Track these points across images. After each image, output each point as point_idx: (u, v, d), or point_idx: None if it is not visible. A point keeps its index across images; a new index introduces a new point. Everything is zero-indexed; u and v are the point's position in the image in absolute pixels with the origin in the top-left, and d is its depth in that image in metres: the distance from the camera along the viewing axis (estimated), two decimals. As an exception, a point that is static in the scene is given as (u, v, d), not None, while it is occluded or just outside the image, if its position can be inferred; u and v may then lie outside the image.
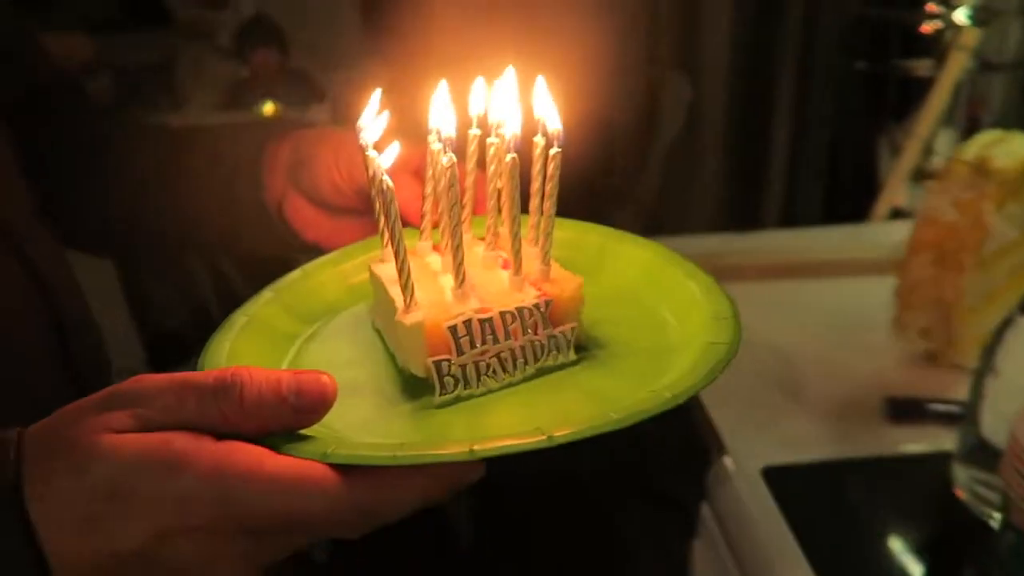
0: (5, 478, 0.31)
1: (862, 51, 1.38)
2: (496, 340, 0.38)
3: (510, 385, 0.39)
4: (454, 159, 0.38)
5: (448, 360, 0.37)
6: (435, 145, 0.41)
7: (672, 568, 0.92)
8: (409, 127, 0.44)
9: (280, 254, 0.49)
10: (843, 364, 0.93)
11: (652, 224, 2.26)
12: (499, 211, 0.42)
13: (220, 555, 0.32)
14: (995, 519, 0.67)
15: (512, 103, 0.40)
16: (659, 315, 0.42)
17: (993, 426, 0.65)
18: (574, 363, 0.40)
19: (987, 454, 0.65)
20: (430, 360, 0.37)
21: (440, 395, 0.37)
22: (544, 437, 0.32)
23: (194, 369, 0.36)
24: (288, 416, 0.33)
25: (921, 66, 1.34)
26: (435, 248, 0.44)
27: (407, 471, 0.32)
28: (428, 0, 2.27)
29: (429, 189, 0.44)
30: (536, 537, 1.20)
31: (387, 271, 0.41)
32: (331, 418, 0.34)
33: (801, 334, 1.00)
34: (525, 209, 0.41)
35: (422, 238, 0.46)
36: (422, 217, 0.46)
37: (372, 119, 0.41)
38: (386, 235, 0.41)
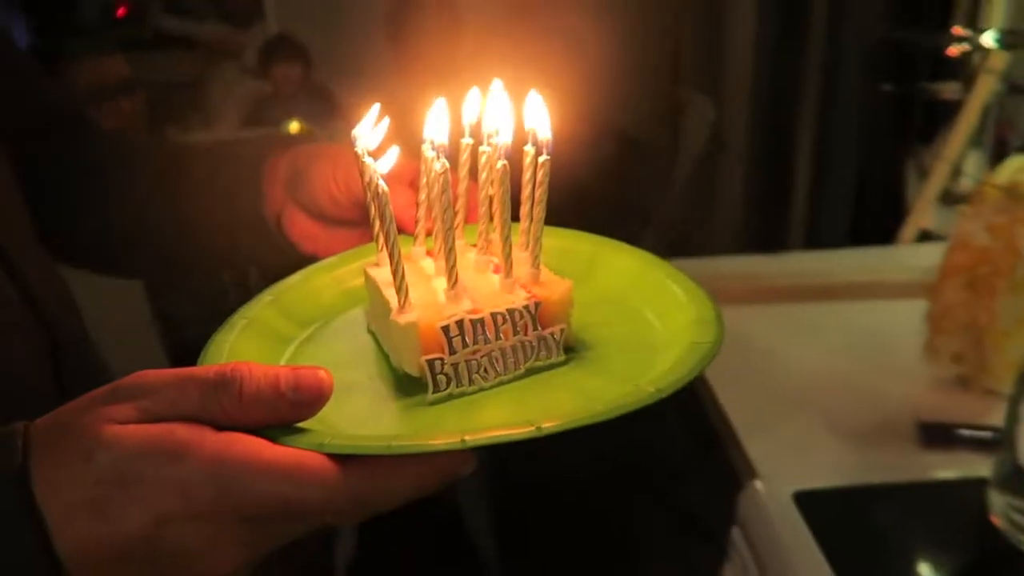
0: (13, 464, 0.32)
1: (888, 73, 1.38)
2: (487, 340, 0.39)
3: (501, 384, 0.40)
4: (447, 165, 0.40)
5: (441, 359, 0.38)
6: (429, 152, 0.42)
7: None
8: (409, 140, 0.45)
9: (278, 266, 0.50)
10: (873, 388, 0.93)
11: (674, 244, 2.26)
12: (490, 218, 0.44)
13: (219, 541, 0.33)
14: (1033, 547, 0.66)
15: (504, 113, 0.42)
16: (645, 318, 0.43)
17: (1030, 453, 0.64)
18: (563, 363, 0.41)
19: (1024, 481, 0.64)
20: (423, 359, 0.38)
21: (433, 393, 0.38)
22: (533, 428, 0.33)
23: None
24: (286, 410, 0.34)
25: (948, 89, 1.34)
26: (428, 253, 0.46)
27: (401, 461, 0.33)
28: (453, 22, 2.30)
29: (423, 196, 0.46)
30: (564, 563, 1.20)
31: (382, 274, 0.42)
32: (327, 414, 0.35)
33: (830, 357, 1.00)
34: (516, 217, 0.43)
35: (416, 244, 0.47)
36: (416, 223, 0.47)
37: (369, 128, 0.42)
38: (381, 239, 0.43)
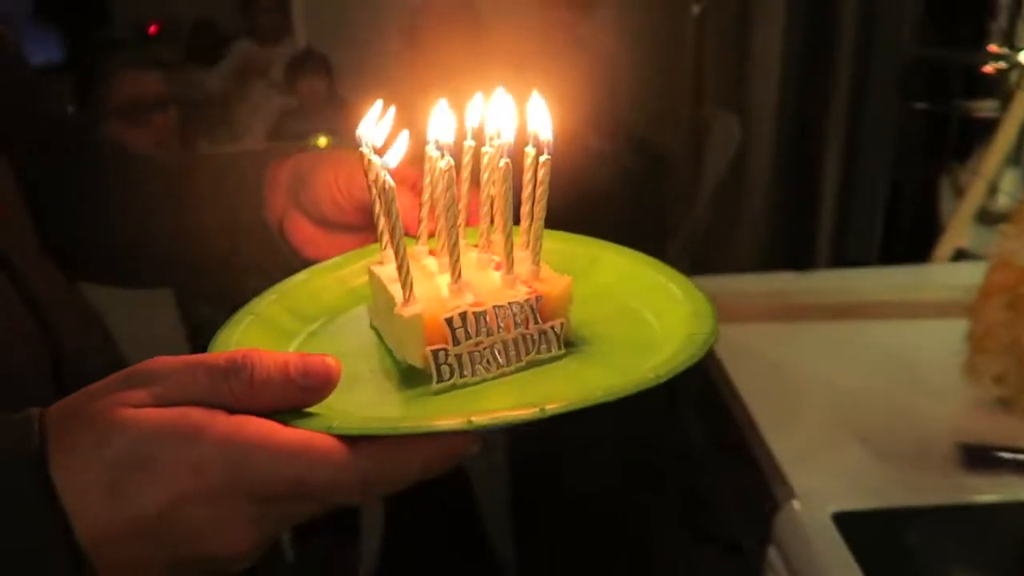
0: (31, 448, 0.33)
1: (923, 92, 1.37)
2: (490, 332, 0.40)
3: (503, 375, 0.41)
4: (451, 162, 0.40)
5: (445, 349, 0.39)
6: (433, 152, 0.43)
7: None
8: (414, 145, 0.45)
9: (280, 272, 0.50)
10: (911, 409, 0.92)
11: (699, 260, 2.25)
12: (491, 220, 0.45)
13: (233, 520, 0.34)
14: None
15: (506, 115, 0.43)
16: (643, 315, 0.44)
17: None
18: (562, 356, 0.42)
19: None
20: (428, 349, 0.39)
21: (437, 382, 0.39)
22: (537, 409, 0.34)
23: None
24: (295, 395, 0.35)
25: (984, 107, 1.32)
26: (431, 252, 0.47)
27: (408, 442, 0.34)
28: (474, 31, 2.31)
29: (426, 196, 0.47)
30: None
31: (386, 271, 0.43)
32: (333, 403, 0.36)
33: (865, 377, 0.99)
34: (516, 220, 0.44)
35: (419, 243, 0.48)
36: (419, 223, 0.48)
37: (372, 124, 0.43)
38: (386, 236, 0.44)
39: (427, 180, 0.46)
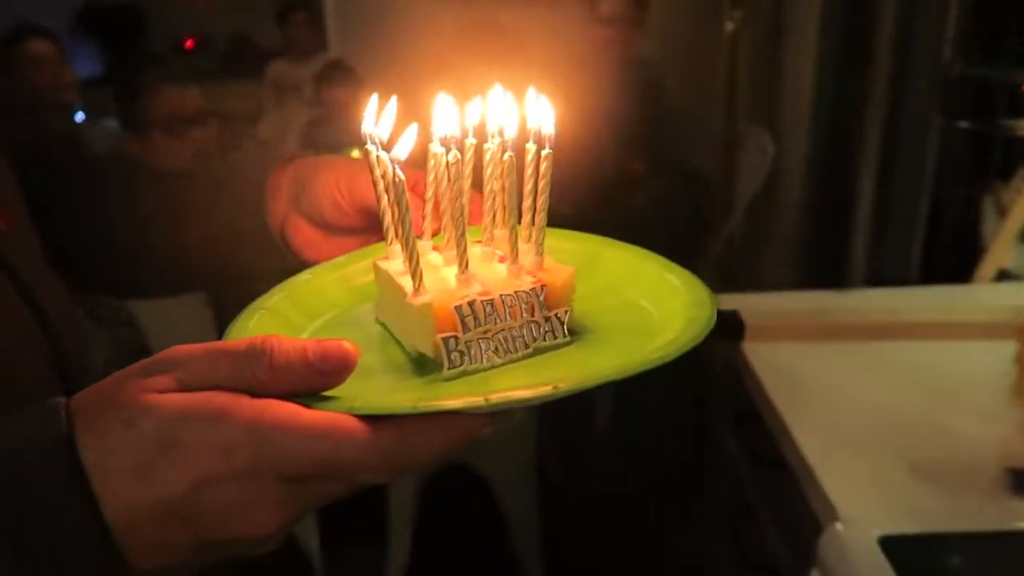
0: (59, 433, 0.33)
1: (966, 110, 1.35)
2: (498, 320, 0.41)
3: (511, 362, 0.42)
4: (459, 156, 0.42)
5: (456, 336, 0.40)
6: (438, 149, 0.44)
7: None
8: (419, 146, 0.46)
9: (282, 276, 0.51)
10: (956, 431, 0.90)
11: (732, 277, 2.24)
12: (492, 216, 0.47)
13: (259, 501, 0.34)
14: None
15: (508, 111, 0.44)
16: (643, 305, 0.46)
17: None
18: (567, 343, 0.43)
19: None
20: (439, 337, 0.40)
21: (448, 369, 0.40)
22: (550, 387, 0.35)
23: None
24: (314, 378, 0.35)
25: (1028, 126, 1.31)
26: (435, 248, 0.48)
27: (427, 420, 0.35)
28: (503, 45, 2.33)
29: (430, 194, 0.48)
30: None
31: (393, 266, 0.45)
32: (348, 390, 0.37)
33: (911, 398, 0.97)
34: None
35: (423, 239, 0.49)
36: (424, 219, 0.49)
37: (373, 120, 0.44)
38: (391, 231, 0.45)
39: (431, 177, 0.47)
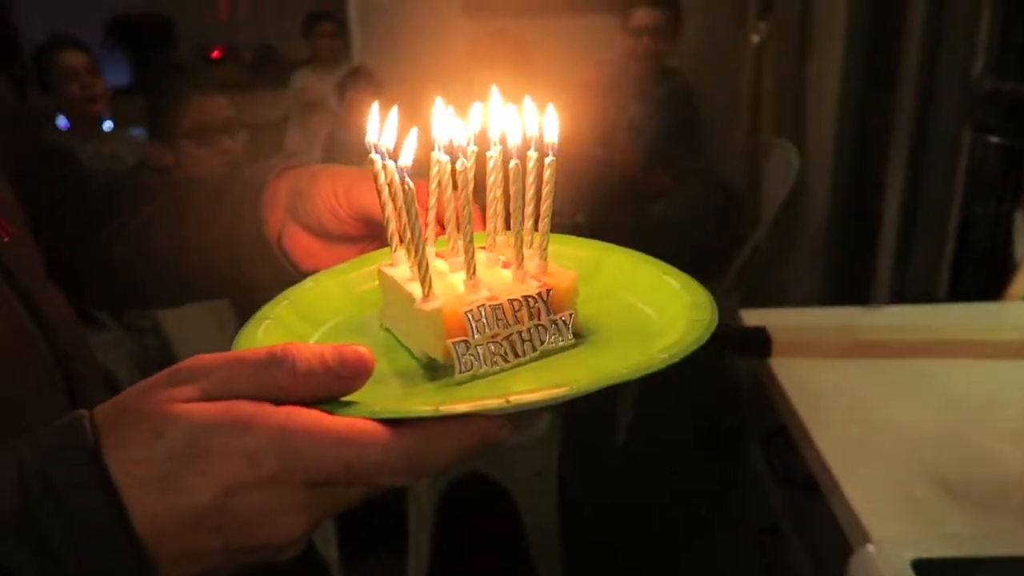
0: (86, 446, 0.34)
1: (997, 125, 1.34)
2: (506, 324, 0.42)
3: (520, 365, 0.43)
4: (467, 164, 0.43)
5: (466, 341, 0.41)
6: (442, 156, 0.45)
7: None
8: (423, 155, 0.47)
9: (280, 286, 0.51)
10: (993, 452, 0.88)
11: (757, 291, 2.22)
12: (495, 222, 0.48)
13: (285, 508, 0.35)
14: None
15: (512, 120, 0.45)
16: (644, 308, 0.47)
17: None
18: (573, 346, 0.44)
19: None
20: (450, 342, 0.41)
21: (460, 372, 0.41)
22: (568, 388, 0.36)
23: None
24: (334, 383, 0.36)
25: (1061, 141, 1.29)
26: (438, 255, 0.49)
27: (448, 423, 0.36)
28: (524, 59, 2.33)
29: (433, 201, 0.49)
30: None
31: (399, 272, 0.46)
32: (364, 396, 0.37)
33: (943, 417, 0.96)
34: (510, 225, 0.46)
35: (427, 246, 0.50)
36: (426, 227, 0.49)
37: (376, 130, 0.45)
38: (395, 238, 0.46)
39: (434, 185, 0.47)
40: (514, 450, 1.66)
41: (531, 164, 0.44)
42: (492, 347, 0.42)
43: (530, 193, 0.45)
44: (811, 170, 2.22)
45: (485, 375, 0.42)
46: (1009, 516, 0.80)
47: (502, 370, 0.42)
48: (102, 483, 0.33)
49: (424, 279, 0.42)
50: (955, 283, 1.54)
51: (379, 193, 0.45)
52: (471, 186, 0.47)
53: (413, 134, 0.45)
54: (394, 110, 0.45)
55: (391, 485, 0.37)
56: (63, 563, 0.33)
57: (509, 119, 0.44)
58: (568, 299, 0.44)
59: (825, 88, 2.20)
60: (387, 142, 0.44)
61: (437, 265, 0.47)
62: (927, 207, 1.73)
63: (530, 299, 0.43)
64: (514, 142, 0.44)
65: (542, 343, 0.43)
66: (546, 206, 0.45)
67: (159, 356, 1.68)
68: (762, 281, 2.26)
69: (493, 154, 0.45)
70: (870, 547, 0.76)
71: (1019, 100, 1.31)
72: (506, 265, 0.46)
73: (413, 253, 0.42)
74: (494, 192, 0.46)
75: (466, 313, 0.41)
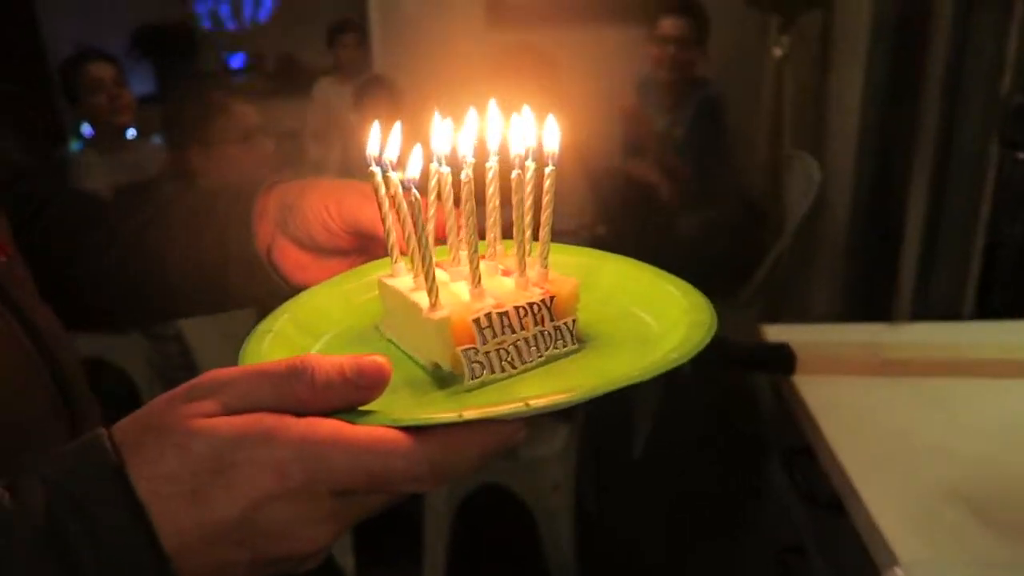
0: (110, 464, 0.34)
1: (1024, 142, 1.32)
2: (512, 331, 0.43)
3: (526, 371, 0.44)
4: (471, 176, 0.43)
5: (475, 348, 0.42)
6: (444, 168, 0.46)
7: None
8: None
9: (271, 300, 0.51)
10: (1020, 473, 0.87)
11: (777, 306, 2.20)
12: (495, 231, 0.48)
13: (311, 517, 0.35)
14: None
15: (513, 131, 0.45)
16: (643, 314, 0.48)
17: None
18: (576, 351, 0.45)
19: None
20: (459, 349, 0.41)
21: (470, 379, 0.42)
22: (583, 390, 0.37)
23: None
24: (352, 393, 0.36)
25: (1091, 158, 1.27)
26: (439, 265, 0.49)
27: (468, 429, 0.36)
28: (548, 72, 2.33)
29: (431, 212, 0.49)
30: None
31: (401, 283, 0.46)
32: (379, 405, 0.38)
33: (971, 438, 0.94)
34: (509, 235, 0.47)
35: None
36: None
37: (377, 144, 0.45)
38: (395, 250, 0.47)
39: (432, 196, 0.48)
40: (533, 463, 1.65)
41: (529, 175, 0.45)
42: (500, 354, 0.43)
43: (528, 203, 0.46)
44: (832, 184, 2.20)
45: (494, 381, 0.42)
46: (1040, 540, 0.79)
47: (510, 376, 0.43)
48: (127, 501, 0.33)
49: (431, 288, 0.42)
50: (982, 300, 1.52)
51: (380, 205, 0.46)
52: (474, 197, 0.48)
53: (418, 147, 0.45)
54: (397, 124, 0.46)
55: (414, 491, 0.37)
56: None
57: (510, 129, 0.45)
58: (570, 305, 0.45)
59: (847, 102, 2.19)
60: (390, 155, 0.45)
61: (437, 275, 0.47)
62: (951, 222, 1.71)
63: (534, 306, 0.44)
64: (517, 152, 0.45)
65: (548, 348, 0.44)
66: (546, 215, 0.46)
67: (181, 363, 1.69)
68: (782, 295, 2.25)
69: (492, 165, 0.46)
70: (898, 570, 0.75)
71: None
72: (506, 273, 0.47)
73: (420, 263, 0.43)
74: (493, 202, 0.47)
75: (474, 321, 0.42)
